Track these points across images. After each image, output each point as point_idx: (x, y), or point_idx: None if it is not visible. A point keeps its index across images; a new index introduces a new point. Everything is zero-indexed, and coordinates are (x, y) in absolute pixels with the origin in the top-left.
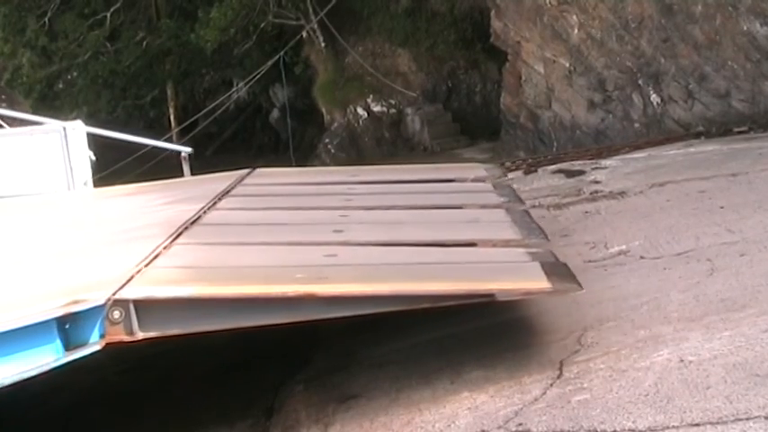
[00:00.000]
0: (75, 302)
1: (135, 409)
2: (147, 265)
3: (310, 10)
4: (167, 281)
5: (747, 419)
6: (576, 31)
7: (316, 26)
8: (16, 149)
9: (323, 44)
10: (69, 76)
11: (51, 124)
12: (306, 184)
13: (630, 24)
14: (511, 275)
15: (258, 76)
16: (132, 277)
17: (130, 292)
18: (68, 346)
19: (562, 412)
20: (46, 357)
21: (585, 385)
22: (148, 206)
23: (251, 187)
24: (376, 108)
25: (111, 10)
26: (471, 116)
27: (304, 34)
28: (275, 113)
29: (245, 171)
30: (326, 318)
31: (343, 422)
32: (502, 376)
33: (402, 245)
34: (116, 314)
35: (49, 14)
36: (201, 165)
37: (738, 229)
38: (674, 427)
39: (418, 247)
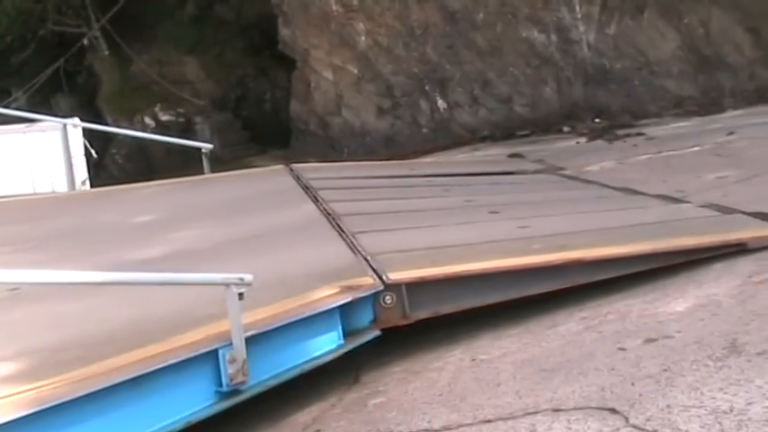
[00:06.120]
0: (350, 288)
1: None
2: (364, 253)
3: (92, 17)
4: (415, 264)
5: (536, 413)
6: (363, 38)
7: (98, 33)
8: (10, 148)
9: (106, 52)
10: None
11: (49, 121)
12: (371, 178)
13: (416, 31)
14: (742, 226)
15: (38, 86)
16: (370, 263)
17: (400, 276)
18: (345, 333)
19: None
20: (328, 344)
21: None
22: (237, 201)
23: (321, 181)
24: (164, 117)
25: None
26: (261, 124)
27: (86, 42)
28: None
29: (279, 167)
30: (590, 282)
31: None
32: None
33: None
34: (387, 299)
35: None
36: None
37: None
38: (467, 424)
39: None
